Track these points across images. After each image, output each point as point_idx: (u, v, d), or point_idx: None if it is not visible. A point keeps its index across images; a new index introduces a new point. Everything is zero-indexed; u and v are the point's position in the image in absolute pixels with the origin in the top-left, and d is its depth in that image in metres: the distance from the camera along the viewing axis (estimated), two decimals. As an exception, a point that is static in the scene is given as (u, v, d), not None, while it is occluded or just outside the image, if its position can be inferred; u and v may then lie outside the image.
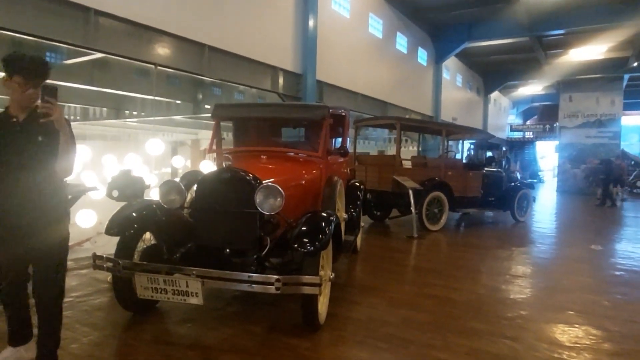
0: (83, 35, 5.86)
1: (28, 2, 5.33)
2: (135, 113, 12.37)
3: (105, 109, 12.67)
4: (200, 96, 12.05)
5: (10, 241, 2.45)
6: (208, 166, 6.63)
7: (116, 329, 3.41)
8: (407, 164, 8.90)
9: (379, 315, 3.82)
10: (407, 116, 16.99)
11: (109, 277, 4.54)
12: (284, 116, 4.92)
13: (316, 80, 11.00)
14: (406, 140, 17.86)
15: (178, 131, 18.27)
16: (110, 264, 3.27)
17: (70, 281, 4.46)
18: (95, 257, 3.35)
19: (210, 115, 13.03)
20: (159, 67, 7.58)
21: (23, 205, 2.42)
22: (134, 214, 3.58)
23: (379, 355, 3.06)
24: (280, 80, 10.21)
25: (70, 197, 4.36)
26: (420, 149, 12.32)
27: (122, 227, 3.47)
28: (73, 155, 2.46)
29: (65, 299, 3.93)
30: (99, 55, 7.15)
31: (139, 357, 2.94)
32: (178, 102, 11.59)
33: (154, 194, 5.53)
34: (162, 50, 7.18)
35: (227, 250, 3.42)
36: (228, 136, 5.18)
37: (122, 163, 7.00)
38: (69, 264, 5.03)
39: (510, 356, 3.14)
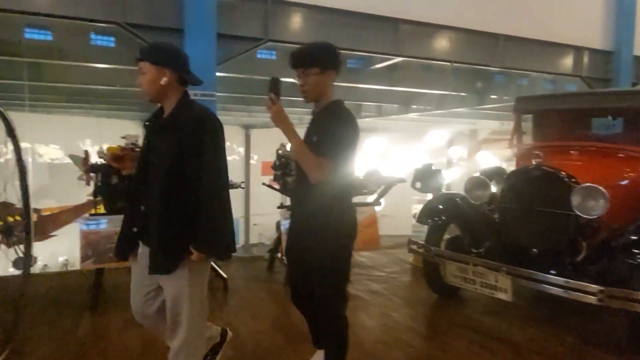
0: (392, 44, 6.70)
1: (349, 23, 6.42)
2: (421, 107, 13.20)
3: (395, 105, 13.98)
4: (484, 86, 11.80)
5: (293, 250, 2.29)
6: (486, 158, 6.58)
7: (425, 307, 3.85)
8: None
9: None
10: None
11: (411, 258, 5.13)
12: (600, 106, 4.38)
13: (632, 56, 9.16)
14: None
15: (455, 122, 18.43)
16: (422, 250, 3.71)
17: (381, 258, 5.26)
18: (410, 241, 3.86)
19: (491, 105, 12.38)
20: (441, 62, 7.86)
21: (299, 212, 2.26)
22: (441, 206, 3.94)
23: None
24: (585, 61, 8.97)
25: (382, 187, 5.12)
26: None
27: (432, 217, 3.87)
28: (306, 159, 2.01)
29: (380, 274, 4.71)
30: (398, 59, 7.96)
31: (450, 337, 3.24)
32: (463, 94, 11.71)
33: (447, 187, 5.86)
34: (455, 46, 7.41)
35: (535, 250, 3.36)
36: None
37: (408, 154, 7.68)
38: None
39: None
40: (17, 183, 2.99)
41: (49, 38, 6.89)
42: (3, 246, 3.01)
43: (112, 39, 6.97)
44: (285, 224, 4.41)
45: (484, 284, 3.27)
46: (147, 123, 2.05)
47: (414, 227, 20.67)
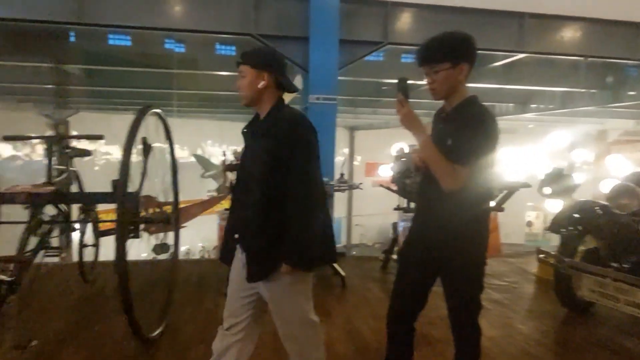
0: (516, 40, 6.32)
1: (470, 20, 6.19)
2: (541, 106, 12.23)
3: (511, 104, 13.12)
4: (617, 82, 10.53)
5: (413, 255, 2.11)
6: (617, 161, 5.87)
7: (554, 321, 3.59)
8: None
9: None
10: None
11: (535, 269, 4.82)
12: None
13: None
14: None
15: (579, 121, 16.70)
16: (554, 260, 3.47)
17: (500, 267, 5.01)
18: (539, 251, 3.63)
19: (624, 102, 10.88)
20: (570, 57, 7.16)
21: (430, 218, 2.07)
22: (576, 215, 3.64)
23: None
24: None
25: (505, 192, 4.87)
26: None
27: (566, 226, 3.60)
28: (438, 166, 1.86)
29: (500, 283, 4.50)
30: (520, 56, 7.48)
31: (585, 356, 2.99)
32: (593, 91, 10.60)
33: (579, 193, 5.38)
34: (588, 39, 6.74)
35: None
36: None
37: (524, 157, 7.06)
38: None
39: None
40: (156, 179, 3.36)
41: (182, 50, 7.77)
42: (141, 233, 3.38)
43: (234, 48, 7.59)
44: (402, 226, 4.44)
45: (628, 302, 2.98)
46: (245, 130, 2.02)
47: (527, 236, 19.21)
